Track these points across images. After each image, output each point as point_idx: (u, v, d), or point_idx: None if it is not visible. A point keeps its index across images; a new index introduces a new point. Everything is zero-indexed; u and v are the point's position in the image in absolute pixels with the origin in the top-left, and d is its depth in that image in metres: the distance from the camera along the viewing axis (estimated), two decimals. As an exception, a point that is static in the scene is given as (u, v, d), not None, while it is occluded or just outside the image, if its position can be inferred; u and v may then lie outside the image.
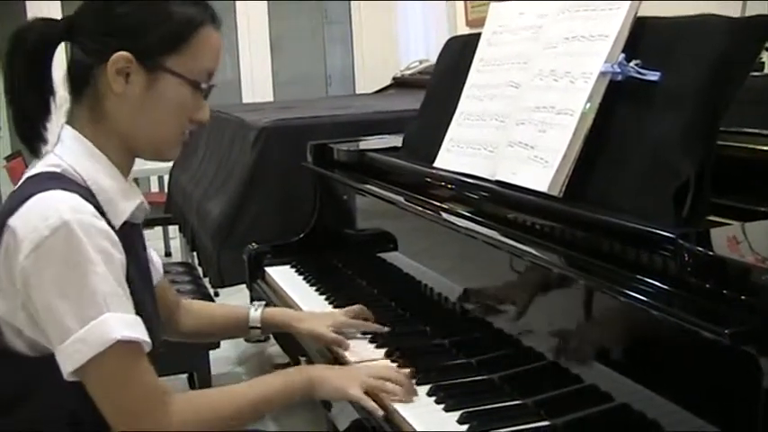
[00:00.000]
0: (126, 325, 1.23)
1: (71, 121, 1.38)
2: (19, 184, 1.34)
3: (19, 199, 1.25)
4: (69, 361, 1.21)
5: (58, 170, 1.31)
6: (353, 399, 1.44)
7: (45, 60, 1.36)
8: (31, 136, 1.37)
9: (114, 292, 1.23)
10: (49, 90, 1.37)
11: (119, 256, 1.27)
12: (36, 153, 1.36)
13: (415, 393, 1.44)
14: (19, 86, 1.36)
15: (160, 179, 5.69)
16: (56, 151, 1.35)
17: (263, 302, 1.83)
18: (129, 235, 1.36)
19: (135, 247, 1.39)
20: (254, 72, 6.97)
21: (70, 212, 1.22)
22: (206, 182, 3.24)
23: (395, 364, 1.58)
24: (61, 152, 1.34)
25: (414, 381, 1.48)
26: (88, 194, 1.29)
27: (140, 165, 1.55)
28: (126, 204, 1.36)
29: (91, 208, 1.25)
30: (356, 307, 1.82)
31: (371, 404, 1.41)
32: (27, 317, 1.25)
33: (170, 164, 4.22)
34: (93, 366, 1.21)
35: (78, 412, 1.31)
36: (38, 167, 1.33)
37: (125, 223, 1.35)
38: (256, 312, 1.76)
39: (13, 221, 1.24)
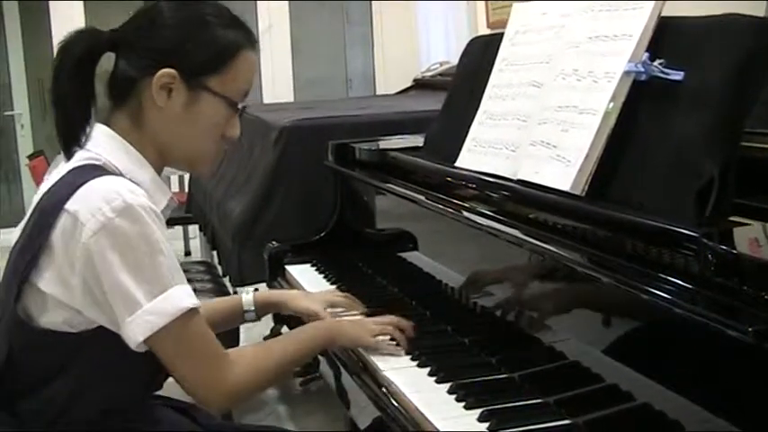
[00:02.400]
0: (190, 295, 1.35)
1: (108, 122, 1.45)
2: (60, 176, 1.39)
3: (71, 186, 1.33)
4: (140, 330, 1.31)
5: (98, 162, 1.39)
6: (369, 345, 1.64)
7: (89, 70, 1.43)
8: (71, 139, 1.42)
9: (176, 266, 1.35)
10: (91, 96, 1.43)
11: (167, 233, 1.36)
12: (71, 156, 1.41)
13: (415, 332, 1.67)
14: (65, 93, 1.41)
15: (180, 179, 5.73)
16: (88, 147, 1.41)
17: (253, 288, 1.91)
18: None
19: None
20: (275, 74, 7.00)
21: (129, 194, 1.31)
22: (227, 181, 3.26)
23: (415, 363, 1.58)
24: (94, 148, 1.41)
25: (434, 379, 1.49)
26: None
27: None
28: (162, 196, 1.44)
29: (142, 191, 1.35)
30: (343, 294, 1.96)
31: (384, 346, 1.64)
32: (87, 295, 1.32)
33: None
34: (166, 333, 1.32)
35: (106, 394, 1.38)
36: (76, 161, 1.40)
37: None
38: (248, 296, 1.83)
39: (72, 206, 1.31)
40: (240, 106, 1.47)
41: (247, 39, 1.47)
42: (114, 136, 1.42)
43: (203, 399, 1.42)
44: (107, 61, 1.45)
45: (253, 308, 1.82)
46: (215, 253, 3.47)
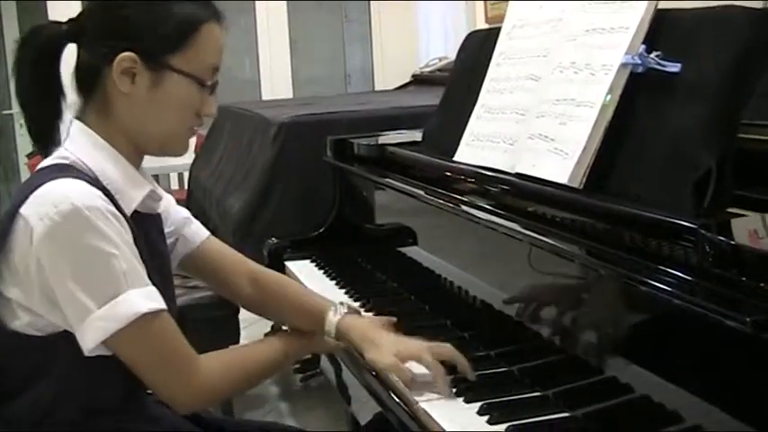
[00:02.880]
0: (148, 298, 1.30)
1: (80, 117, 1.41)
2: (30, 176, 1.37)
3: (29, 188, 1.30)
4: (91, 336, 1.27)
5: (66, 162, 1.35)
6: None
7: (52, 63, 1.39)
8: (42, 137, 1.41)
9: (132, 268, 1.29)
10: (57, 92, 1.40)
11: (128, 235, 1.31)
12: (47, 154, 1.40)
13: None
14: (28, 90, 1.40)
15: (180, 176, 5.71)
16: (64, 145, 1.39)
17: (344, 306, 1.60)
18: (142, 224, 1.39)
19: (150, 236, 1.42)
20: (273, 71, 6.99)
21: (79, 198, 1.27)
22: (226, 178, 3.26)
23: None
24: (69, 145, 1.38)
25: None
26: (96, 182, 1.33)
27: (160, 162, 1.58)
28: (135, 193, 1.39)
29: (98, 192, 1.30)
30: (448, 349, 1.48)
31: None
32: (45, 300, 1.30)
33: (190, 161, 4.24)
34: (121, 339, 1.28)
35: (91, 394, 1.37)
36: (47, 161, 1.38)
37: (137, 213, 1.39)
38: (333, 319, 1.56)
39: (25, 210, 1.28)
40: (209, 83, 1.42)
41: (208, 11, 1.42)
42: (86, 131, 1.39)
43: (169, 400, 1.39)
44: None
45: (333, 334, 1.56)
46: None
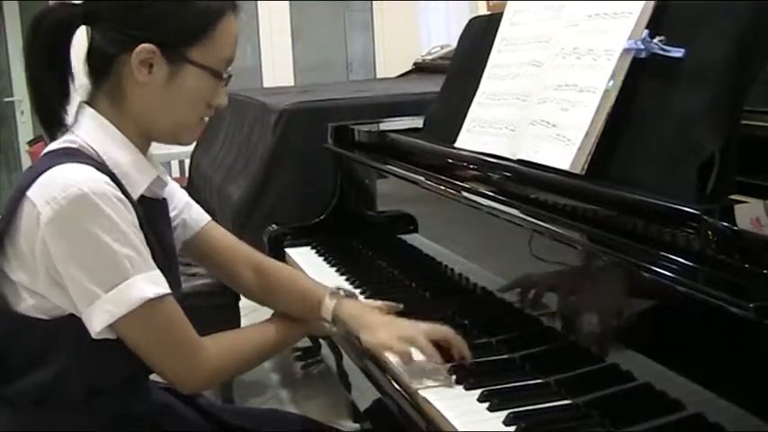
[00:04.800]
0: (154, 283, 1.31)
1: (90, 102, 1.41)
2: (38, 159, 1.37)
3: (36, 172, 1.30)
4: (97, 320, 1.28)
5: (74, 146, 1.35)
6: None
7: (63, 45, 1.38)
8: (50, 120, 1.40)
9: (138, 253, 1.30)
10: (67, 74, 1.39)
11: (135, 219, 1.32)
12: (54, 137, 1.39)
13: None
14: (38, 71, 1.38)
15: (181, 164, 5.71)
16: (72, 129, 1.38)
17: (340, 290, 1.61)
18: (149, 209, 1.39)
19: (155, 222, 1.41)
20: (275, 59, 6.99)
21: (87, 182, 1.27)
22: (227, 165, 3.25)
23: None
24: (77, 129, 1.38)
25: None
26: (103, 167, 1.32)
27: (161, 149, 1.57)
28: (142, 178, 1.39)
29: (105, 177, 1.30)
30: (444, 331, 1.49)
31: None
32: (50, 283, 1.30)
33: (191, 148, 4.23)
34: (126, 323, 1.29)
35: (94, 375, 1.37)
36: (55, 144, 1.37)
37: (143, 197, 1.38)
38: (329, 303, 1.56)
39: (32, 193, 1.28)
40: (225, 75, 1.43)
41: (227, 3, 1.41)
42: (95, 116, 1.38)
43: (172, 381, 1.40)
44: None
45: (329, 319, 1.56)
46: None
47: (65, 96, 1.40)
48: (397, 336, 1.46)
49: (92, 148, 1.35)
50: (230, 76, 1.44)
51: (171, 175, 1.49)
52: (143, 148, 1.43)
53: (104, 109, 1.39)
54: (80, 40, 1.41)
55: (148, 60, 1.35)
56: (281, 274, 1.68)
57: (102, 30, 1.38)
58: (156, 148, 1.49)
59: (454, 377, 1.41)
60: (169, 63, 1.36)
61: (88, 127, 1.37)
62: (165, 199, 1.50)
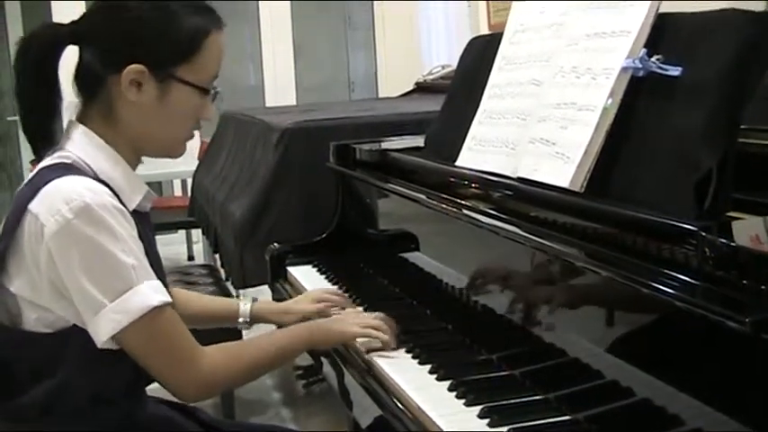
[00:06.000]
0: (156, 291, 1.34)
1: (81, 119, 1.43)
2: (31, 175, 1.39)
3: (36, 186, 1.32)
4: (104, 330, 1.30)
5: (68, 161, 1.37)
6: (356, 335, 1.64)
7: (52, 64, 1.40)
8: (39, 138, 1.42)
9: (140, 262, 1.33)
10: (56, 93, 1.42)
11: (134, 230, 1.35)
12: (42, 155, 1.41)
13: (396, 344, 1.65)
14: (27, 90, 1.41)
15: (183, 183, 5.73)
16: (64, 146, 1.40)
17: (251, 297, 1.91)
18: (139, 222, 1.40)
19: (145, 234, 1.43)
20: (277, 78, 7.00)
21: (90, 194, 1.30)
22: (229, 183, 3.26)
23: (416, 360, 1.59)
24: (69, 146, 1.40)
25: (435, 376, 1.49)
26: (100, 181, 1.35)
27: (163, 168, 1.60)
28: (135, 192, 1.42)
29: (105, 188, 1.33)
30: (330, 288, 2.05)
31: (366, 332, 1.63)
32: (55, 295, 1.32)
33: (193, 167, 4.25)
34: (132, 331, 1.31)
35: (99, 388, 1.39)
36: (49, 160, 1.39)
37: (135, 211, 1.41)
38: (246, 307, 1.84)
39: (35, 207, 1.31)
40: (213, 92, 1.46)
41: (213, 22, 1.44)
42: (87, 132, 1.41)
43: (174, 391, 1.42)
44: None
45: (248, 320, 1.85)
46: (218, 256, 3.47)
47: (53, 115, 1.42)
48: (307, 302, 1.88)
49: (85, 163, 1.37)
50: (217, 92, 1.47)
51: (173, 195, 1.51)
52: (133, 164, 1.45)
53: (96, 126, 1.41)
54: (67, 59, 1.43)
55: (138, 80, 1.38)
56: (189, 299, 1.84)
57: (91, 50, 1.40)
58: (159, 167, 1.51)
59: (455, 392, 1.42)
60: (158, 82, 1.39)
61: (81, 144, 1.40)
62: (149, 213, 1.52)
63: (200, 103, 1.45)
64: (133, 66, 1.37)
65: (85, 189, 1.30)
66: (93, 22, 1.42)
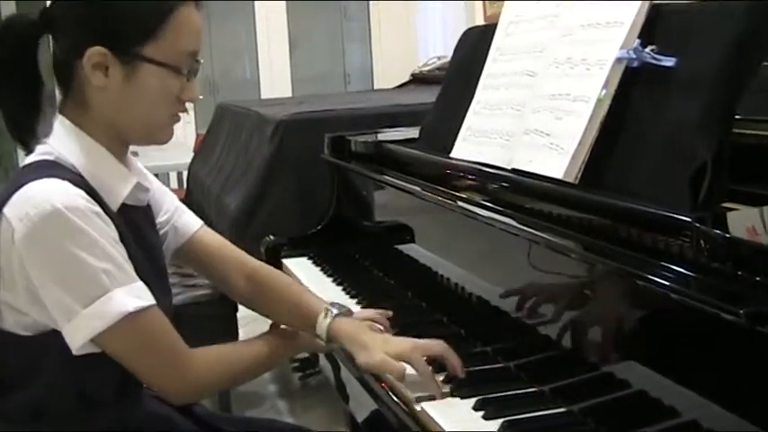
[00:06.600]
0: (135, 296, 1.29)
1: (61, 111, 1.39)
2: (15, 174, 1.36)
3: (12, 188, 1.28)
4: (79, 335, 1.27)
5: (50, 158, 1.33)
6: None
7: (28, 55, 1.36)
8: (21, 133, 1.38)
9: (117, 266, 1.28)
10: (36, 85, 1.37)
11: (113, 232, 1.30)
12: (28, 150, 1.38)
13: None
14: (4, 84, 1.37)
15: (179, 175, 5.72)
16: (48, 140, 1.36)
17: (337, 307, 1.57)
18: (132, 217, 1.38)
19: (140, 230, 1.41)
20: (273, 70, 7.00)
21: (59, 198, 1.25)
22: (224, 176, 3.26)
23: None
24: (52, 141, 1.36)
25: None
26: (79, 180, 1.30)
27: (159, 161, 1.56)
28: (121, 186, 1.37)
29: (80, 191, 1.27)
30: (437, 347, 1.48)
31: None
32: (31, 300, 1.29)
33: (188, 160, 4.24)
34: (108, 337, 1.27)
35: (85, 387, 1.36)
36: (32, 157, 1.36)
37: (125, 206, 1.37)
38: (324, 322, 1.53)
39: (8, 210, 1.27)
40: (185, 71, 1.37)
41: None
42: (67, 125, 1.36)
43: (161, 392, 1.40)
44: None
45: (324, 337, 1.53)
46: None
47: (34, 108, 1.38)
48: (392, 354, 1.44)
49: (66, 159, 1.33)
50: (195, 70, 1.40)
51: (169, 186, 1.47)
52: (118, 153, 1.40)
53: (74, 117, 1.37)
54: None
55: (102, 63, 1.32)
56: (275, 285, 1.65)
57: (58, 36, 1.36)
58: (155, 159, 1.48)
59: (448, 386, 1.41)
60: (123, 64, 1.32)
61: (61, 138, 1.36)
62: (149, 206, 1.49)
63: (176, 84, 1.37)
64: (94, 48, 1.31)
65: (56, 192, 1.25)
66: (58, 8, 1.36)
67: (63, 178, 1.28)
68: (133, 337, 1.30)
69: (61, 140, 1.36)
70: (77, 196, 1.26)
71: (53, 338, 1.29)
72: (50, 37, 1.38)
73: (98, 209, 1.28)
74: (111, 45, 1.31)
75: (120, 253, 1.29)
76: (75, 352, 1.28)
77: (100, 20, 1.32)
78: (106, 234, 1.28)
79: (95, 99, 1.35)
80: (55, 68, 1.38)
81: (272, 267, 1.72)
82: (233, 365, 1.46)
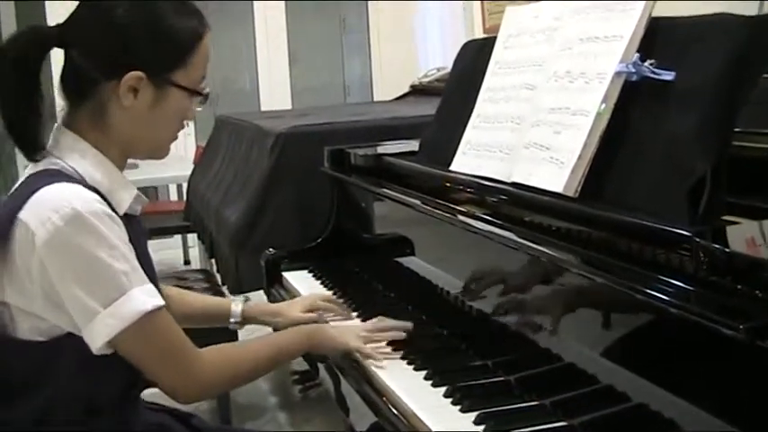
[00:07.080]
0: (150, 295, 1.34)
1: (68, 124, 1.41)
2: (19, 182, 1.38)
3: (25, 194, 1.31)
4: (99, 335, 1.30)
5: (55, 167, 1.36)
6: (354, 349, 1.64)
7: (35, 67, 1.39)
8: (27, 142, 1.39)
9: (133, 268, 1.32)
10: (39, 95, 1.39)
11: (125, 235, 1.34)
12: (32, 158, 1.39)
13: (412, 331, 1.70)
14: (9, 94, 1.38)
15: (179, 187, 5.71)
16: (51, 151, 1.39)
17: (243, 297, 1.94)
18: (131, 226, 1.40)
19: (137, 238, 1.42)
20: (272, 82, 7.00)
21: (79, 201, 1.29)
22: (224, 188, 3.26)
23: (411, 366, 1.58)
24: (56, 151, 1.39)
25: (430, 382, 1.49)
26: (89, 186, 1.34)
27: (159, 173, 1.58)
28: (124, 195, 1.41)
29: (95, 195, 1.32)
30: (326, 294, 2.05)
31: (368, 351, 1.63)
32: (47, 303, 1.31)
33: (188, 172, 4.24)
34: (127, 336, 1.31)
35: (93, 396, 1.38)
36: (36, 167, 1.38)
37: (125, 215, 1.40)
38: (237, 307, 1.87)
39: (24, 215, 1.29)
40: (204, 93, 1.46)
41: (202, 23, 1.44)
42: (73, 137, 1.39)
43: (170, 393, 1.42)
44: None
45: (239, 320, 1.87)
46: (213, 261, 3.47)
47: (37, 118, 1.39)
48: (299, 309, 1.89)
49: (73, 169, 1.36)
50: (207, 95, 1.48)
51: (168, 199, 1.50)
52: (121, 166, 1.44)
53: (84, 130, 1.40)
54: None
55: (135, 86, 1.37)
56: (185, 294, 1.89)
57: (84, 54, 1.38)
58: (155, 172, 1.51)
59: (450, 398, 1.41)
60: (156, 88, 1.39)
61: (68, 149, 1.38)
62: (138, 217, 1.51)
63: (190, 106, 1.45)
64: (134, 73, 1.36)
65: (74, 196, 1.29)
66: (82, 27, 1.39)
67: (75, 183, 1.32)
68: (148, 335, 1.34)
69: (66, 151, 1.38)
70: (93, 200, 1.31)
71: (66, 343, 1.33)
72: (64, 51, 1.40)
73: (111, 212, 1.33)
74: (147, 70, 1.37)
75: (132, 255, 1.34)
76: (95, 352, 1.31)
77: (139, 46, 1.38)
78: (120, 237, 1.32)
79: (116, 117, 1.39)
80: (68, 81, 1.41)
81: (178, 289, 1.94)
82: (239, 363, 1.51)
